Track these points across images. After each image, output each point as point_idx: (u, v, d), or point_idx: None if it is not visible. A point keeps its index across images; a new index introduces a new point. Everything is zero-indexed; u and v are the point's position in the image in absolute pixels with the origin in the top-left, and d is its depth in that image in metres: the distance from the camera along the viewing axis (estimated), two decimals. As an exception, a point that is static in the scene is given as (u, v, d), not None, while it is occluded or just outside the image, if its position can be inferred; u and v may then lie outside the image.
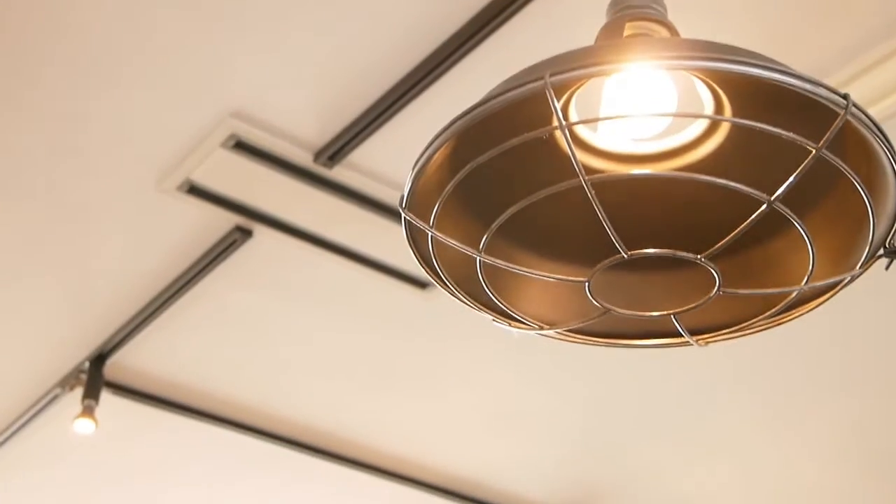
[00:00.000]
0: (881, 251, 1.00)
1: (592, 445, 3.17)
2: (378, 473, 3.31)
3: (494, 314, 1.10)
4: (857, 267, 1.00)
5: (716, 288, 1.00)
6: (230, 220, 2.46)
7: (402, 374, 2.92)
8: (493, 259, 1.01)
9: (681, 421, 3.04)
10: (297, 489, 3.48)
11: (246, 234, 2.49)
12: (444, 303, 2.66)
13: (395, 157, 2.29)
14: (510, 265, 1.03)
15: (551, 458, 3.24)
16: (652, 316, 1.05)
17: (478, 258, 1.01)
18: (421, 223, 0.98)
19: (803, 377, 2.84)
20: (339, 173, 2.34)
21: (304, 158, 2.30)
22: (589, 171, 1.00)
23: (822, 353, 2.75)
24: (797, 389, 2.89)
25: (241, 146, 2.28)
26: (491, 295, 1.07)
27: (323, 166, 2.31)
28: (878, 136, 0.91)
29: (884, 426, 3.02)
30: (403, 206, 0.98)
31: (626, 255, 0.95)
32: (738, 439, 3.11)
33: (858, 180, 0.93)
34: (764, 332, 2.46)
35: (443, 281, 1.08)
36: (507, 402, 3.00)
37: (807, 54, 2.02)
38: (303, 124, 2.24)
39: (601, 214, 0.91)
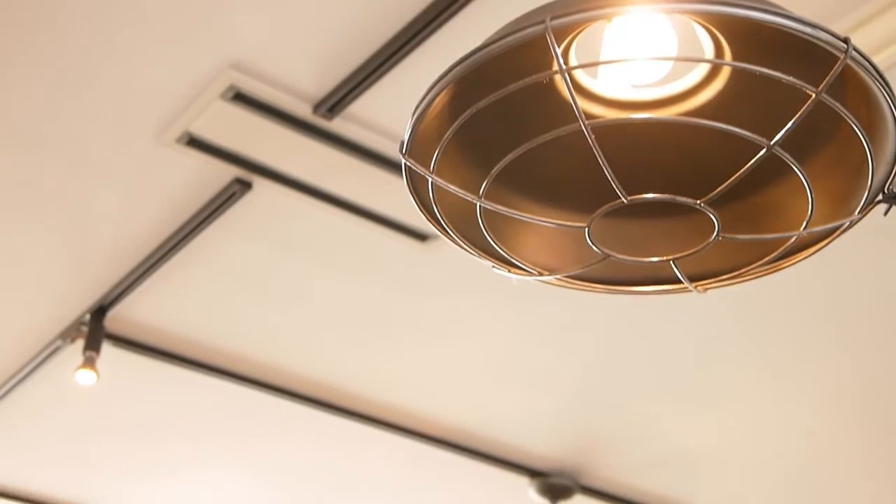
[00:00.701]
0: (880, 196, 1.01)
1: (591, 397, 3.18)
2: (378, 425, 3.33)
3: (494, 261, 1.10)
4: (856, 212, 1.00)
5: (715, 233, 1.00)
6: (229, 172, 2.46)
7: (402, 327, 2.93)
8: (492, 204, 1.01)
9: (679, 373, 3.05)
10: (297, 441, 3.50)
11: (245, 186, 2.49)
12: (444, 255, 2.67)
13: (395, 108, 2.28)
14: (510, 210, 1.03)
15: (551, 410, 3.26)
16: (651, 261, 1.05)
17: (478, 203, 1.01)
18: (421, 169, 0.99)
19: (801, 329, 2.85)
20: (338, 125, 2.33)
21: (304, 110, 2.30)
22: (589, 117, 1.00)
23: (819, 305, 2.76)
24: (795, 342, 2.90)
25: (241, 98, 2.27)
26: (491, 241, 1.07)
27: (322, 118, 2.31)
28: (877, 81, 0.91)
29: (882, 377, 3.04)
30: (404, 151, 0.98)
31: (625, 200, 0.96)
32: (737, 391, 3.13)
33: (858, 125, 0.93)
34: (763, 280, 2.46)
35: (443, 227, 1.08)
36: (507, 354, 3.01)
37: (807, 5, 2.01)
38: (302, 76, 2.23)
39: (600, 158, 0.91)
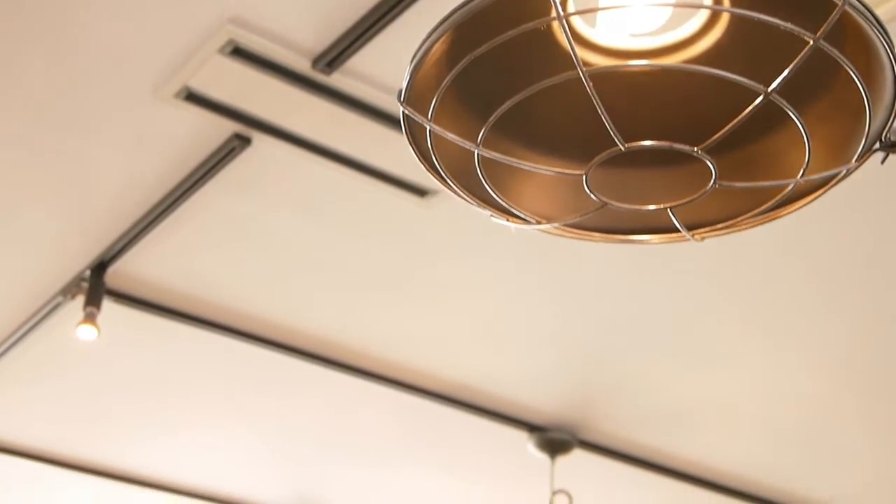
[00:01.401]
0: (877, 145, 1.01)
1: (590, 353, 3.20)
2: (377, 380, 3.35)
3: (493, 210, 1.11)
4: (853, 160, 1.00)
5: (712, 181, 1.01)
6: (228, 127, 2.45)
7: (401, 283, 2.94)
8: (490, 152, 1.01)
9: (677, 329, 3.06)
10: (297, 396, 3.52)
11: (244, 141, 2.49)
12: (443, 211, 2.67)
13: (394, 63, 2.28)
14: (507, 158, 1.03)
15: (550, 366, 3.28)
16: (648, 209, 1.05)
17: (475, 151, 1.01)
18: (419, 117, 0.99)
19: (797, 288, 2.86)
20: (337, 80, 2.33)
21: (303, 65, 2.29)
22: (587, 65, 1.00)
23: (815, 264, 2.76)
24: (790, 299, 2.91)
25: (239, 52, 2.26)
26: (489, 190, 1.07)
27: (321, 73, 2.30)
28: (876, 29, 0.91)
29: (876, 336, 3.05)
30: (402, 99, 0.98)
31: (623, 147, 0.96)
32: (734, 347, 3.14)
33: (855, 72, 0.93)
34: (760, 237, 2.47)
35: (441, 177, 1.08)
36: (506, 310, 3.02)
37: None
38: (301, 30, 2.22)
39: (598, 105, 0.91)
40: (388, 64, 2.29)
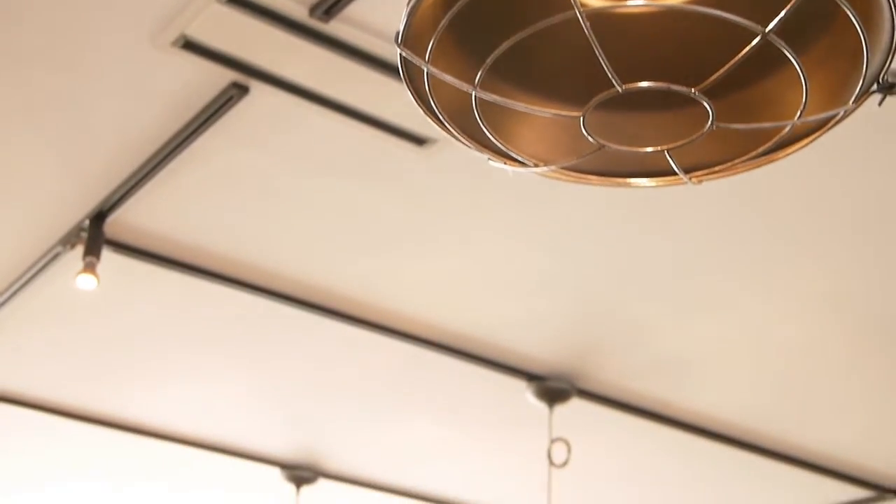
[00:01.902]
0: (874, 87, 1.01)
1: (589, 302, 3.21)
2: (376, 330, 3.36)
3: (491, 153, 1.11)
4: (850, 102, 1.00)
5: (709, 122, 1.01)
6: (226, 76, 2.45)
7: (400, 232, 2.94)
8: (487, 94, 1.01)
9: (672, 278, 3.07)
10: (296, 346, 3.54)
11: (242, 90, 2.48)
12: (442, 160, 2.67)
13: (392, 10, 2.26)
14: (505, 100, 1.03)
15: (548, 315, 3.29)
16: (646, 151, 1.06)
17: (473, 93, 1.02)
18: (417, 59, 0.99)
19: (791, 236, 2.86)
20: (334, 28, 2.32)
21: (300, 13, 2.28)
22: (584, 6, 1.00)
23: (809, 212, 2.76)
24: (786, 246, 2.91)
25: (236, 0, 2.25)
26: (487, 133, 1.07)
27: (318, 20, 2.29)
28: (874, -30, 0.91)
29: (870, 285, 3.05)
30: (399, 42, 0.98)
31: (620, 89, 0.96)
32: (728, 296, 3.15)
33: (854, 13, 0.93)
34: (753, 185, 2.47)
35: (439, 120, 1.08)
36: (505, 259, 3.03)
37: None
38: (298, -23, 2.21)
39: (595, 46, 0.91)
40: (385, 11, 2.28)
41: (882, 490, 4.52)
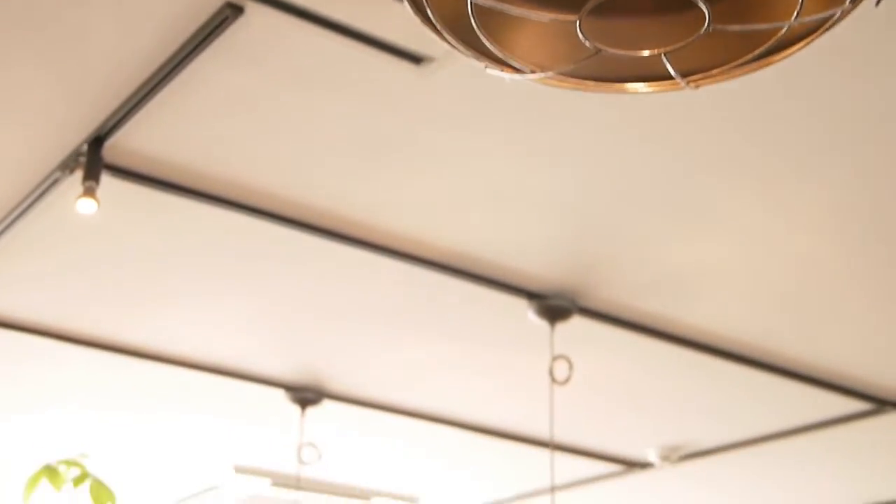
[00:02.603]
0: (872, -14, 1.00)
1: (590, 219, 3.21)
2: (377, 250, 3.37)
3: (488, 61, 1.11)
4: (847, 2, 1.00)
5: (706, 24, 1.01)
6: (221, -5, 2.43)
7: (400, 153, 2.94)
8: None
9: (673, 193, 3.07)
10: (297, 268, 3.55)
11: (237, 10, 2.46)
12: (440, 79, 2.65)
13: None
14: (501, 4, 1.03)
15: (549, 232, 3.29)
16: (642, 55, 1.05)
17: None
18: (412, -34, 0.98)
19: (794, 148, 2.86)
20: (329, -55, 2.30)
21: (294, -71, 2.26)
22: None
23: (816, 123, 2.75)
24: (787, 160, 2.91)
25: (229, -83, 2.23)
26: (484, 40, 1.07)
27: (313, -63, 2.27)
28: None
29: (873, 197, 3.05)
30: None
31: (616, -9, 0.96)
32: (733, 212, 3.15)
33: None
34: (759, 96, 2.46)
35: (436, 30, 1.08)
36: (505, 177, 3.02)
37: None
38: None
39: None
40: (380, -73, 2.25)
41: (881, 403, 4.57)
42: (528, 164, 2.95)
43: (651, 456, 5.39)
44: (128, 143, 2.87)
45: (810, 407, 4.67)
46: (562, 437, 5.12)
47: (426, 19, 1.07)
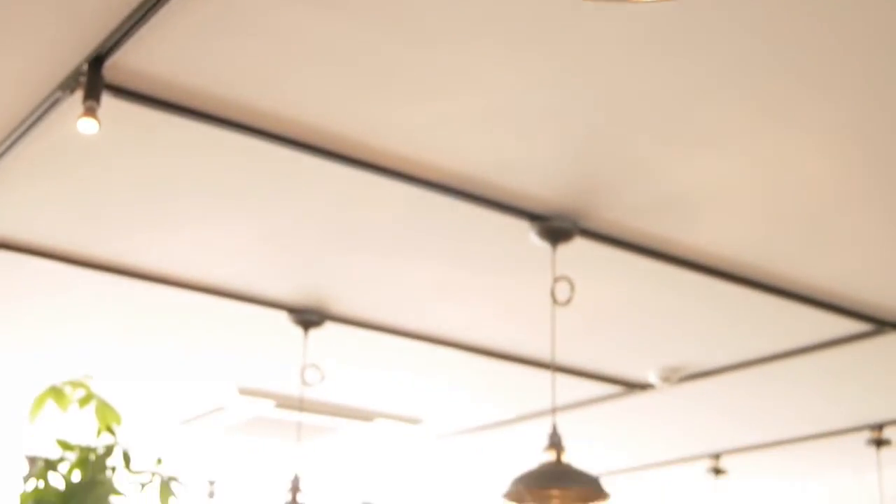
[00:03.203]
0: None
1: (592, 140, 3.20)
2: (379, 172, 3.36)
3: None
4: None
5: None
6: (220, -89, 2.40)
7: (401, 70, 2.92)
8: None
9: (675, 112, 3.05)
10: (300, 191, 3.55)
11: (237, -74, 2.43)
12: (441, -2, 2.63)
13: None
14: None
15: (551, 154, 3.28)
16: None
17: None
18: None
19: (800, 66, 2.83)
20: None
21: None
22: None
23: (823, 39, 2.73)
24: (793, 79, 2.89)
25: None
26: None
27: None
28: None
29: (880, 117, 3.04)
30: None
31: None
32: (737, 131, 3.13)
33: None
34: (763, 9, 2.43)
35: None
36: (507, 99, 3.01)
37: None
38: None
39: None
40: None
41: (881, 323, 4.60)
42: (529, 84, 2.93)
43: (651, 377, 5.43)
44: (128, 62, 2.85)
45: (810, 328, 4.70)
46: (563, 358, 5.16)
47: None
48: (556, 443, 3.59)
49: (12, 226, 3.84)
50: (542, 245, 3.76)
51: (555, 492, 3.56)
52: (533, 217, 3.67)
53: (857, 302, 4.39)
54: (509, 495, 3.54)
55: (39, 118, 3.05)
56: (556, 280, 3.71)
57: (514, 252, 3.97)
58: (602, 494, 3.53)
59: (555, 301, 3.70)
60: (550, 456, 3.58)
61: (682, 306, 4.52)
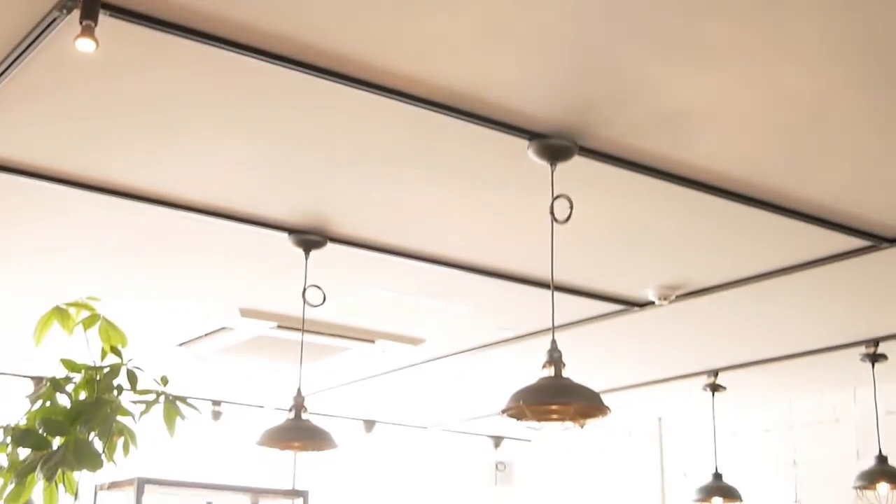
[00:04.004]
0: None
1: (590, 57, 3.19)
2: (377, 91, 3.35)
3: None
4: None
5: None
6: None
7: (399, -10, 2.91)
8: None
9: (673, 30, 3.04)
10: (300, 112, 3.55)
11: None
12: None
13: None
14: None
15: (549, 72, 3.27)
16: None
17: None
18: None
19: (800, -20, 2.82)
20: None
21: None
22: None
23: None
24: (794, -7, 2.88)
25: None
26: None
27: None
28: None
29: (878, 31, 3.03)
30: None
31: None
32: (730, 46, 3.12)
33: None
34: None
35: None
36: (505, 16, 2.99)
37: None
38: None
39: None
40: None
41: (878, 239, 4.62)
42: (529, 2, 2.92)
43: (650, 295, 5.47)
44: (125, -19, 2.83)
45: (807, 244, 4.72)
46: (562, 277, 5.19)
47: None
48: (555, 358, 3.61)
49: (10, 147, 3.84)
50: (541, 164, 3.76)
51: (554, 407, 3.58)
52: (532, 136, 3.67)
53: (853, 217, 4.41)
54: (509, 411, 3.57)
55: (37, 39, 3.04)
56: (555, 199, 3.72)
57: (514, 171, 3.98)
58: (602, 409, 3.55)
59: (554, 219, 3.71)
60: (550, 372, 3.61)
61: (680, 224, 4.54)
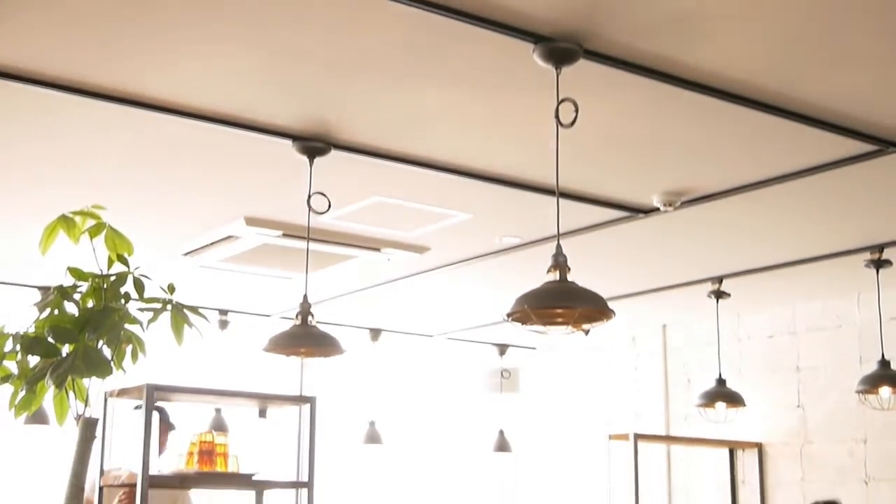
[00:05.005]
0: None
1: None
2: (382, -6, 3.32)
3: None
4: None
5: None
6: None
7: None
8: None
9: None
10: (307, 16, 3.51)
11: None
12: None
13: None
14: None
15: (554, -27, 3.23)
16: None
17: None
18: None
19: None
20: None
21: None
22: None
23: None
24: None
25: None
26: None
27: None
28: None
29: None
30: None
31: None
32: (742, -54, 3.08)
33: None
34: None
35: None
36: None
37: None
38: None
39: None
40: None
41: (885, 143, 4.59)
42: None
43: (655, 201, 5.46)
44: None
45: (814, 149, 4.70)
46: (567, 183, 5.18)
47: None
48: (560, 262, 3.61)
49: (11, 53, 3.80)
50: (546, 67, 3.72)
51: (559, 310, 3.58)
52: (537, 38, 3.63)
53: (861, 122, 4.37)
54: (514, 315, 3.58)
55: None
56: (560, 102, 3.68)
57: (518, 75, 3.94)
58: (607, 312, 3.56)
59: (559, 123, 3.68)
60: (554, 276, 3.61)
61: (686, 128, 4.51)
